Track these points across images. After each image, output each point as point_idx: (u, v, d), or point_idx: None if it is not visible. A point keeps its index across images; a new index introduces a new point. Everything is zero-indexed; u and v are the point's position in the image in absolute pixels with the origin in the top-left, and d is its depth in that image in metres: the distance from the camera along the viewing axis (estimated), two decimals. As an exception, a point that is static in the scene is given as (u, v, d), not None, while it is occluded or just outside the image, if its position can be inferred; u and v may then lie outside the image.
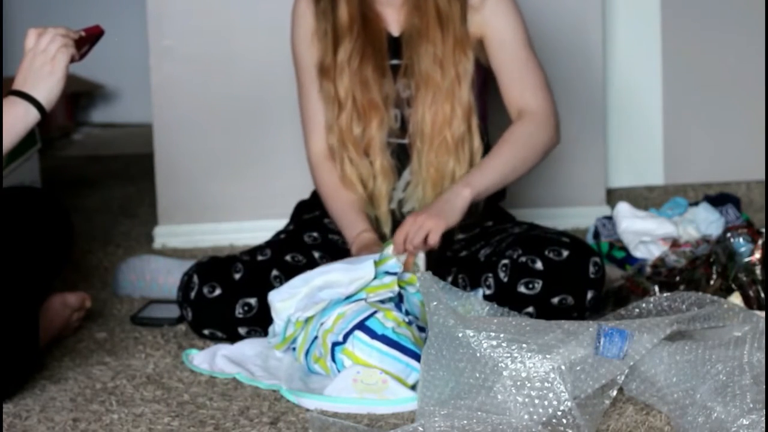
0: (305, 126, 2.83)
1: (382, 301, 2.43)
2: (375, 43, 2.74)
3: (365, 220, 2.72)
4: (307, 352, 2.45)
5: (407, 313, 2.45)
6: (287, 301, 2.44)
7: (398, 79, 2.74)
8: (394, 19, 2.77)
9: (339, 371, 2.37)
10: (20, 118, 2.29)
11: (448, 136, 2.71)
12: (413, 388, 2.32)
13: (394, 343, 2.35)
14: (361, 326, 2.37)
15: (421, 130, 2.72)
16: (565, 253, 2.57)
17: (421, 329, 2.42)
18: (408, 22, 2.74)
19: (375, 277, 2.44)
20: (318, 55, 2.77)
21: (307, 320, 2.45)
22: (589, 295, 2.58)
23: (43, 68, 2.30)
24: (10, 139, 2.29)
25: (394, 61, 2.75)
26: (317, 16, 2.77)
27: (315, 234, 2.77)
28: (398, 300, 2.47)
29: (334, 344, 2.38)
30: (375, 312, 2.38)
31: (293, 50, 2.84)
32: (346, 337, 2.37)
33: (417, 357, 2.34)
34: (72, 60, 2.33)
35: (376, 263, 2.45)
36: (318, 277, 2.44)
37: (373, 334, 2.36)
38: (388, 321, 2.37)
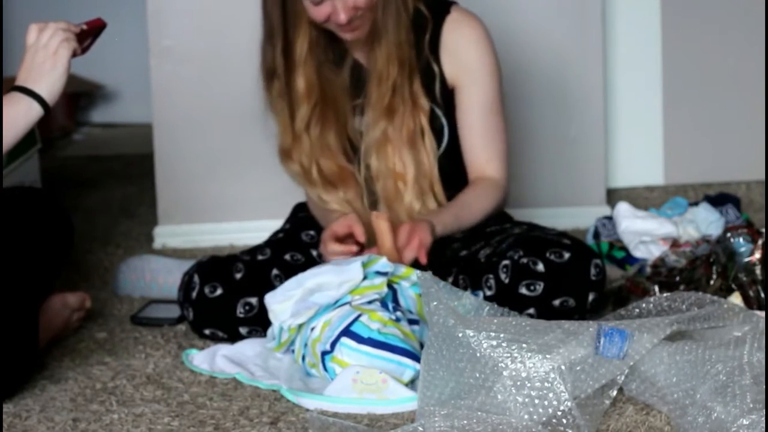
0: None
1: (369, 302, 2.41)
2: (337, 104, 2.68)
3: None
4: (303, 357, 2.44)
5: (396, 310, 2.43)
6: (284, 303, 2.44)
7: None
8: (361, 49, 2.71)
9: (332, 379, 2.36)
10: (23, 114, 2.29)
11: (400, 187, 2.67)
12: (410, 384, 2.32)
13: (381, 344, 2.34)
14: (347, 332, 2.36)
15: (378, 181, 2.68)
16: (567, 255, 2.57)
17: (413, 322, 2.42)
18: (370, 57, 2.67)
19: (365, 278, 2.44)
20: (279, 136, 2.71)
21: (301, 325, 2.45)
22: (591, 297, 2.58)
23: (45, 63, 2.30)
24: (13, 135, 2.29)
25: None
26: (273, 97, 2.70)
27: (312, 232, 2.76)
28: (392, 296, 2.46)
29: (323, 353, 2.38)
30: (360, 315, 2.37)
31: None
32: (333, 345, 2.37)
33: (408, 353, 2.34)
34: (74, 54, 2.32)
35: (365, 265, 2.44)
36: (310, 279, 2.43)
37: (359, 338, 2.35)
38: (374, 322, 2.36)
